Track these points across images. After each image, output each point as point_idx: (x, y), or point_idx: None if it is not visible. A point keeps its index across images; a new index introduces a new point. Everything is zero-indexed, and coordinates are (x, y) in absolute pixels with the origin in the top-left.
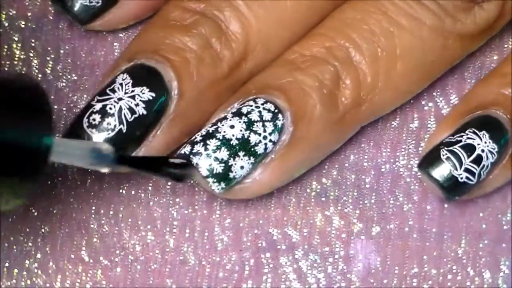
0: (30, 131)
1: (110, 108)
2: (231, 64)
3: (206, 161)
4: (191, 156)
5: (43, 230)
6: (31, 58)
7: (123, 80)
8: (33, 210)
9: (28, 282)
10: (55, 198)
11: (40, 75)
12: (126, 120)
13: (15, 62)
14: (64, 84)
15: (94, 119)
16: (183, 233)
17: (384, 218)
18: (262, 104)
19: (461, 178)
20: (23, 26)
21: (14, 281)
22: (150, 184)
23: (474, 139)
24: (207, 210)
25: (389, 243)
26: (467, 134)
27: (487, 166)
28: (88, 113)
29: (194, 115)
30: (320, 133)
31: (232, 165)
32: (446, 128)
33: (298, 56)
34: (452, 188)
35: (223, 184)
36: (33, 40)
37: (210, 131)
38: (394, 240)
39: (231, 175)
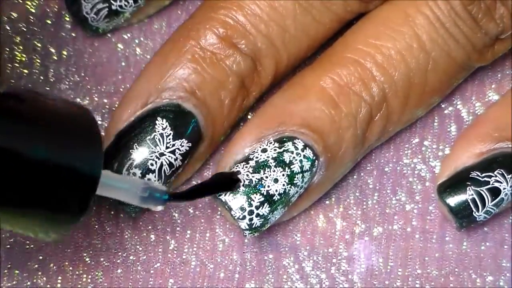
0: (79, 161)
1: (152, 165)
2: (257, 98)
3: (248, 217)
4: (232, 208)
5: None
6: (33, 60)
7: (163, 129)
8: None
9: (29, 283)
10: None
11: (42, 77)
12: (165, 174)
13: (17, 65)
14: (66, 86)
15: (134, 174)
16: (184, 234)
17: (386, 219)
18: (302, 151)
19: (479, 218)
20: (24, 29)
21: (15, 282)
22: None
23: (501, 182)
24: (209, 211)
25: (392, 244)
26: (496, 176)
27: (503, 206)
28: (127, 165)
29: (215, 147)
30: (345, 169)
31: (270, 218)
32: (469, 151)
33: (335, 87)
34: (466, 222)
35: (256, 233)
36: (35, 42)
37: (253, 183)
38: (396, 241)
39: (266, 226)
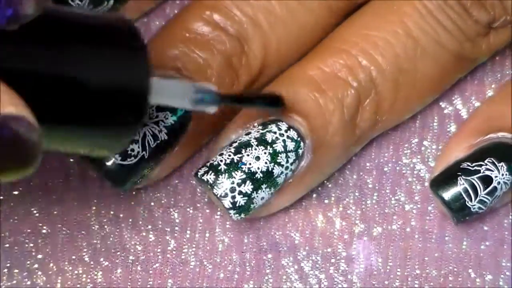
0: (129, 72)
1: None
2: (247, 82)
3: (230, 194)
4: (215, 187)
5: (43, 231)
6: None
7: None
8: (34, 211)
9: (29, 282)
10: (56, 198)
11: None
12: (149, 146)
13: None
14: None
15: None
16: (184, 234)
17: (386, 219)
18: (286, 132)
19: (474, 208)
20: None
21: (14, 281)
22: (151, 184)
23: (492, 170)
24: (208, 211)
25: (391, 244)
26: (486, 165)
27: (499, 196)
28: None
29: (209, 131)
30: (336, 157)
31: (254, 197)
32: (461, 143)
33: (320, 73)
34: (462, 215)
35: (242, 215)
36: None
37: (235, 160)
38: (395, 241)
39: (252, 206)
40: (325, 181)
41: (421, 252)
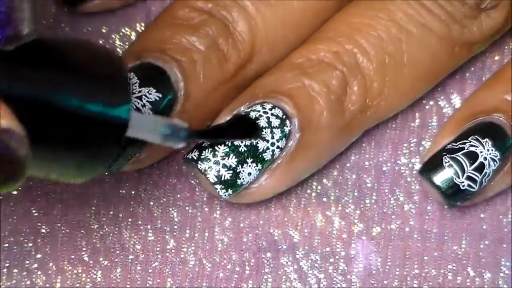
0: (110, 103)
1: None
2: (237, 65)
3: (214, 167)
4: (199, 162)
5: (43, 231)
6: None
7: (130, 80)
8: (33, 210)
9: (28, 282)
10: (55, 198)
11: None
12: None
13: None
14: None
15: None
16: (183, 233)
17: (384, 218)
18: (270, 110)
19: (463, 186)
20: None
21: (14, 281)
22: (150, 183)
23: (477, 146)
24: (207, 210)
25: (390, 243)
26: (470, 142)
27: (489, 174)
28: None
29: (200, 115)
30: (325, 139)
31: (240, 172)
32: (448, 133)
33: (305, 60)
34: (454, 195)
35: (230, 191)
36: None
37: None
38: (394, 240)
39: (238, 181)
40: (324, 180)
41: (420, 251)
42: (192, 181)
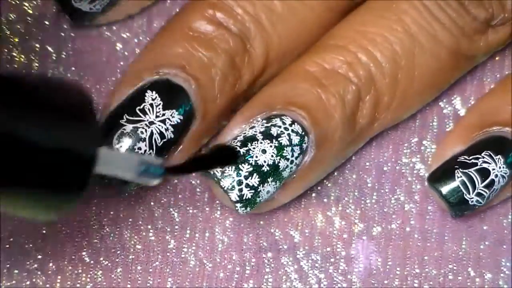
0: (77, 140)
1: (142, 133)
2: (250, 81)
3: (237, 187)
4: (221, 180)
5: (43, 231)
6: (32, 61)
7: (153, 100)
8: None
9: (28, 282)
10: None
11: None
12: (156, 145)
13: (16, 66)
14: None
15: (124, 143)
16: (183, 233)
17: (385, 218)
18: (290, 126)
19: (472, 201)
20: (22, 30)
21: (14, 281)
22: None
23: (490, 163)
24: (208, 210)
25: (390, 243)
26: (483, 158)
27: (497, 189)
28: (118, 133)
29: (212, 129)
30: (337, 153)
31: (260, 191)
32: (457, 140)
33: (320, 70)
34: (460, 208)
35: (248, 208)
36: (33, 43)
37: (242, 153)
38: (395, 240)
39: (258, 200)
40: (325, 181)
41: (420, 251)
42: (197, 185)
